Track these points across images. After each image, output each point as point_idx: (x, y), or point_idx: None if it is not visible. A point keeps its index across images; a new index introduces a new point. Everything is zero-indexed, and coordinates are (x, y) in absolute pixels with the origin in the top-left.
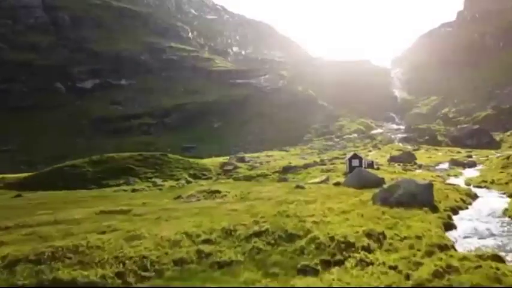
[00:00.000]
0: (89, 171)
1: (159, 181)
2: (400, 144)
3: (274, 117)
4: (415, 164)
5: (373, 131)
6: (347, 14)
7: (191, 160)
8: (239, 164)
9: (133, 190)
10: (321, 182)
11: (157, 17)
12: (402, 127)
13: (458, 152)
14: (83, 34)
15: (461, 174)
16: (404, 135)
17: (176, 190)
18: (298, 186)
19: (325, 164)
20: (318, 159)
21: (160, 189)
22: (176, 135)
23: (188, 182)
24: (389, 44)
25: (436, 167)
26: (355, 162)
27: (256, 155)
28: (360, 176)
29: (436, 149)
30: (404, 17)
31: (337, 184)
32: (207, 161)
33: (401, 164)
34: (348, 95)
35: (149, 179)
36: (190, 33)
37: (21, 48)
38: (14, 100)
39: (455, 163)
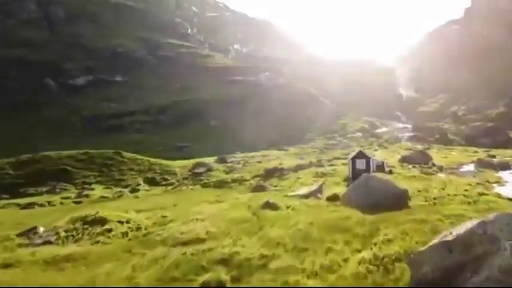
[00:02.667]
0: (7, 175)
1: (99, 188)
2: (409, 143)
3: (274, 115)
4: (434, 165)
5: (378, 130)
6: (350, 12)
7: (153, 160)
8: (216, 166)
9: (22, 206)
10: (309, 196)
11: (155, 13)
12: (409, 126)
13: (475, 152)
14: (77, 30)
15: (502, 180)
16: (411, 134)
17: (68, 209)
18: (267, 205)
19: (322, 166)
20: (315, 160)
21: (60, 204)
22: (170, 133)
23: (134, 191)
24: (394, 42)
25: (461, 169)
26: (361, 164)
27: (251, 154)
28: (370, 188)
29: (449, 149)
30: (408, 15)
31: (333, 199)
32: (177, 163)
33: (416, 166)
34: (352, 94)
35: (87, 185)
36: (189, 30)
37: (13, 43)
38: (1, 97)
39: (482, 164)
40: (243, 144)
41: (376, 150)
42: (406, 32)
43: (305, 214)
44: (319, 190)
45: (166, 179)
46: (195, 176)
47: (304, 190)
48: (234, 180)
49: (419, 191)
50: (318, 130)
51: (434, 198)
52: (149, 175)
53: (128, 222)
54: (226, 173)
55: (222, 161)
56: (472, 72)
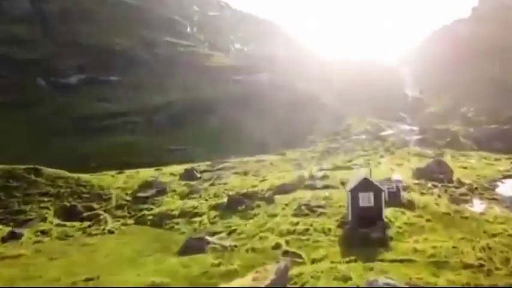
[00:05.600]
0: None
1: None
2: (417, 147)
3: (275, 116)
4: (460, 183)
5: (383, 132)
6: (354, 11)
7: (84, 179)
8: (176, 185)
9: None
10: None
11: (154, 11)
12: (415, 128)
13: (497, 160)
14: (71, 27)
15: None
16: (419, 137)
17: None
18: None
19: (314, 186)
20: (308, 173)
21: None
22: (165, 135)
23: (13, 237)
24: (399, 42)
25: (497, 190)
26: (366, 199)
27: (245, 159)
28: None
29: (464, 155)
30: (413, 13)
31: None
32: (120, 180)
33: (438, 185)
34: (355, 94)
35: None
36: (189, 29)
37: (3, 41)
38: None
39: None
40: (240, 147)
41: (382, 156)
42: (411, 31)
43: None
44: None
45: (91, 208)
46: (135, 203)
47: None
48: (183, 214)
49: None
50: (319, 132)
51: None
52: (70, 202)
53: None
54: (182, 197)
55: (188, 177)
56: (479, 72)
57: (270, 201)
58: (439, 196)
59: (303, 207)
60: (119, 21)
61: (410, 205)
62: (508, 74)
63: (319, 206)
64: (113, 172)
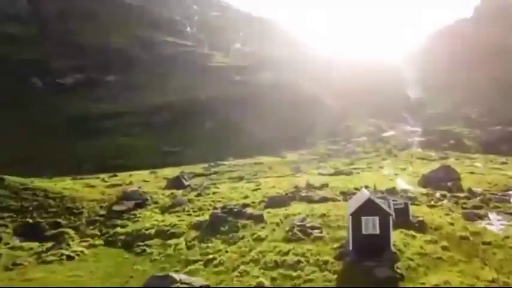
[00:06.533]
0: None
1: None
2: (420, 149)
3: (275, 117)
4: (471, 193)
5: (385, 134)
6: (356, 10)
7: (54, 190)
8: (160, 195)
9: None
10: None
11: (154, 10)
12: (418, 129)
13: (504, 163)
14: (69, 26)
15: None
16: (422, 138)
17: None
18: None
19: (311, 200)
20: (305, 181)
21: None
22: (160, 136)
23: None
24: (400, 41)
25: None
26: (370, 225)
27: (242, 162)
28: None
29: (469, 158)
30: (416, 13)
31: None
32: (96, 191)
33: (447, 195)
34: (357, 95)
35: None
36: (189, 28)
37: None
38: None
39: None
40: (239, 148)
41: (384, 159)
42: (412, 31)
43: None
44: None
45: (57, 225)
46: (109, 219)
47: None
48: (159, 233)
49: None
50: (320, 133)
51: None
52: (34, 217)
53: None
54: (163, 211)
55: (175, 184)
56: (482, 73)
57: (258, 219)
58: (450, 210)
59: (296, 229)
60: (117, 20)
61: (421, 226)
62: (510, 74)
63: (315, 227)
64: (105, 175)
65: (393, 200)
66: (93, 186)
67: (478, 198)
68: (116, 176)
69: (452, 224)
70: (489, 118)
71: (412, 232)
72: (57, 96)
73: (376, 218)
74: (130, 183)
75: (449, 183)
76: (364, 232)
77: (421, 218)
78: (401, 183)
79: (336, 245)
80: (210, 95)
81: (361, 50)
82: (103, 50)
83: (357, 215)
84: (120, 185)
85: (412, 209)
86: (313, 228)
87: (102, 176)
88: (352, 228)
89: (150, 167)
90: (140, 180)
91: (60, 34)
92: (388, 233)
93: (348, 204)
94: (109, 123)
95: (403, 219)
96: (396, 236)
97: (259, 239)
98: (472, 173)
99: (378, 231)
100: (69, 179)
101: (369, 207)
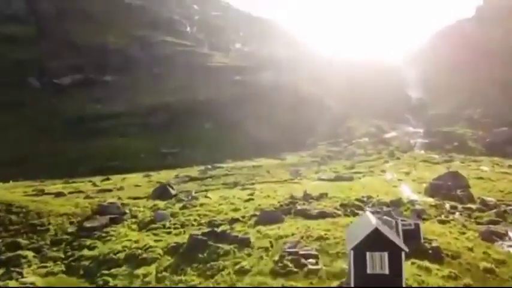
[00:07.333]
0: None
1: None
2: (423, 151)
3: (275, 118)
4: (485, 204)
5: (387, 135)
6: (357, 11)
7: (25, 201)
8: (142, 206)
9: None
10: None
11: (153, 10)
12: (420, 130)
13: (510, 166)
14: (67, 26)
15: None
16: (425, 140)
17: None
18: None
19: (308, 215)
20: (303, 189)
21: None
22: (158, 137)
23: None
24: (402, 42)
25: None
26: (377, 263)
27: (240, 164)
28: None
29: (474, 160)
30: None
31: None
32: (65, 205)
33: (458, 207)
34: (358, 95)
35: None
36: (189, 28)
37: None
38: None
39: None
40: (237, 150)
41: (386, 162)
42: (414, 31)
43: None
44: None
45: (16, 247)
46: (77, 237)
47: None
48: (129, 258)
49: None
50: (321, 134)
51: None
52: None
53: None
54: (141, 227)
55: (160, 194)
56: (485, 73)
57: (244, 243)
58: (464, 226)
59: (287, 258)
60: (115, 20)
61: (436, 253)
62: None
63: (310, 255)
64: (99, 179)
65: (402, 220)
66: (82, 191)
67: (493, 211)
68: (108, 179)
69: (471, 249)
70: (492, 119)
71: (426, 263)
72: (54, 96)
73: (385, 254)
74: (121, 188)
75: (458, 191)
76: (369, 271)
77: (435, 243)
78: (407, 191)
79: (334, 283)
80: (209, 95)
81: (361, 50)
82: (101, 50)
83: (360, 250)
84: (110, 190)
85: (423, 226)
86: (307, 256)
87: (94, 179)
88: (354, 266)
89: (147, 168)
90: (132, 184)
91: (57, 34)
92: (400, 273)
93: (348, 231)
94: (106, 124)
95: (414, 243)
96: (407, 270)
97: (242, 272)
98: (480, 178)
99: (387, 271)
100: (60, 182)
101: (375, 240)
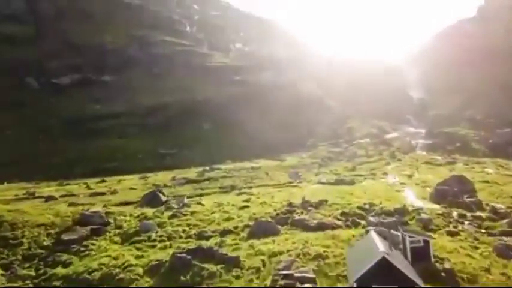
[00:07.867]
0: None
1: None
2: (425, 152)
3: (275, 118)
4: (495, 212)
5: (388, 136)
6: (358, 10)
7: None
8: (128, 215)
9: None
10: None
11: (152, 10)
12: (422, 131)
13: None
14: (66, 26)
15: None
16: (427, 141)
17: None
18: None
19: (305, 227)
20: (301, 194)
21: None
22: (156, 137)
23: None
24: (403, 42)
25: None
26: None
27: (239, 166)
28: None
29: (478, 162)
30: (419, 13)
31: None
32: (47, 214)
33: (467, 216)
34: (359, 95)
35: None
36: (188, 28)
37: None
38: None
39: None
40: (236, 150)
41: (388, 163)
42: (415, 31)
43: None
44: None
45: None
46: (53, 251)
47: None
48: (104, 279)
49: None
50: (321, 135)
51: None
52: None
53: None
54: (124, 239)
55: (150, 201)
56: (486, 73)
57: (233, 263)
58: (476, 239)
59: (280, 282)
60: (114, 20)
61: (449, 276)
62: None
63: (306, 279)
64: (94, 181)
65: (409, 236)
66: (74, 195)
67: (505, 221)
68: (104, 181)
69: (487, 269)
70: (495, 120)
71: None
72: (52, 96)
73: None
74: (115, 191)
75: (466, 198)
76: None
77: (447, 263)
78: (411, 196)
79: None
80: (208, 95)
81: (362, 50)
82: (100, 50)
83: (365, 283)
84: (103, 193)
85: (432, 241)
86: (303, 280)
87: (89, 181)
88: None
89: (145, 169)
90: (127, 187)
91: (56, 34)
92: None
93: (349, 254)
94: (105, 124)
95: (423, 262)
96: None
97: None
98: (486, 181)
99: None
100: (54, 184)
101: (383, 271)
